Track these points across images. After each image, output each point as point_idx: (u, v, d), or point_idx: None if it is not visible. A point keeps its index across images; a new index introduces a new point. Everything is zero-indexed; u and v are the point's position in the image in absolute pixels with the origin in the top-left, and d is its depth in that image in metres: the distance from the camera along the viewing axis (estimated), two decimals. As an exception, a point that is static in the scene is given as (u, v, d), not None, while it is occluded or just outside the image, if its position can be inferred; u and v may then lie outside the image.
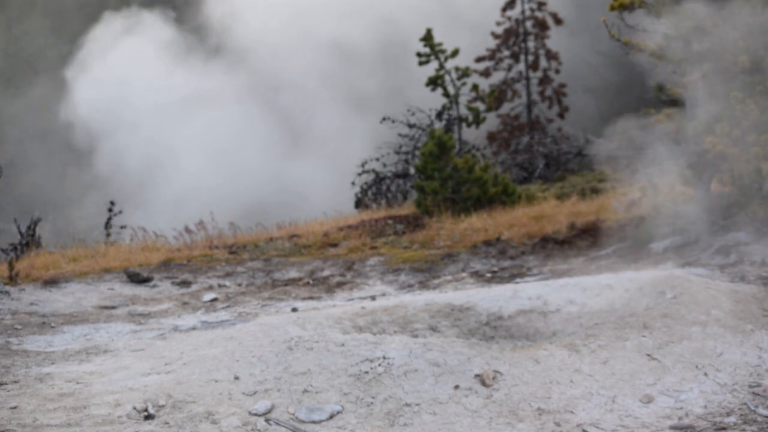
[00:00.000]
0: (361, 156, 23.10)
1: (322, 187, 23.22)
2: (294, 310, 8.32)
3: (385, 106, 30.05)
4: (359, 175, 22.49)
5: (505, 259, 11.27)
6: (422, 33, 22.16)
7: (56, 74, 41.62)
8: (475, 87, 22.47)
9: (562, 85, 28.31)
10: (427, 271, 10.85)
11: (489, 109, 22.40)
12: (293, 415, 4.76)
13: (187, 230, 14.55)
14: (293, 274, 11.26)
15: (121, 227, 15.27)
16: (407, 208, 17.35)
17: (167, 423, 4.70)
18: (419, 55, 22.01)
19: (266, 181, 36.92)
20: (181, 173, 37.84)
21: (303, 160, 38.35)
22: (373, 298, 9.17)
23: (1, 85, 42.87)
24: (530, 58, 28.27)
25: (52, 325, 8.20)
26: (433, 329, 6.87)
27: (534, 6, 27.95)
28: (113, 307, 9.31)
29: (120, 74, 39.78)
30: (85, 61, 41.71)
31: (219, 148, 38.70)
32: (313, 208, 19.86)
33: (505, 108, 28.43)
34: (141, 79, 39.99)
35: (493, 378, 4.95)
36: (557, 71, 28.20)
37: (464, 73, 22.10)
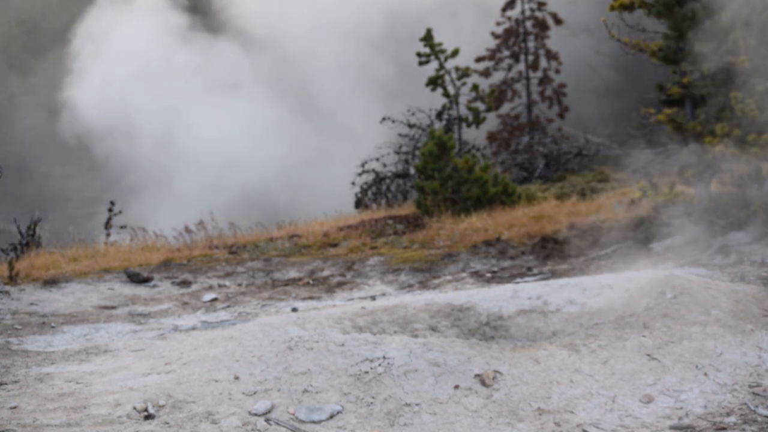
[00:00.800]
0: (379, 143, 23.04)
1: (340, 177, 23.06)
2: (294, 310, 8.32)
3: (401, 93, 29.79)
4: (359, 175, 22.48)
5: (505, 259, 11.27)
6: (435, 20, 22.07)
7: (60, 62, 41.01)
8: (475, 87, 22.46)
9: (562, 85, 28.32)
10: (427, 271, 10.85)
11: (489, 109, 22.39)
12: (293, 415, 4.76)
13: (187, 230, 14.56)
14: (293, 274, 11.26)
15: (121, 227, 15.26)
16: (407, 208, 17.35)
17: (167, 423, 4.70)
18: (419, 55, 22.00)
19: (280, 171, 36.52)
20: (190, 165, 37.35)
21: (320, 149, 37.81)
22: (373, 298, 9.17)
23: (6, 71, 42.40)
24: (530, 58, 28.27)
25: (52, 325, 8.21)
26: (433, 329, 6.87)
27: (534, 6, 27.96)
28: (113, 307, 9.31)
29: (126, 60, 39.02)
30: (89, 45, 40.94)
31: (231, 138, 38.09)
32: (333, 201, 19.76)
33: (505, 108, 28.43)
34: (148, 66, 39.33)
35: (493, 378, 4.95)
36: (557, 71, 28.20)
37: (464, 73, 22.09)
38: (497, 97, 26.25)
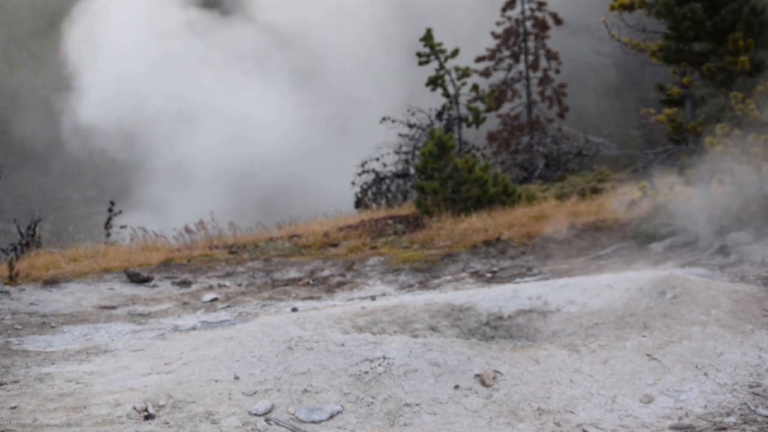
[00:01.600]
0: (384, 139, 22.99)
1: (351, 166, 23.03)
2: (294, 310, 8.32)
3: (414, 84, 29.65)
4: (359, 175, 22.48)
5: (505, 259, 11.27)
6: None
7: (61, 59, 40.61)
8: (475, 87, 22.46)
9: (562, 85, 28.32)
10: (427, 271, 10.85)
11: (489, 109, 22.39)
12: (293, 415, 4.76)
13: (187, 230, 14.56)
14: (293, 274, 11.26)
15: (121, 227, 15.28)
16: (407, 208, 17.35)
17: (167, 423, 4.70)
18: (419, 55, 22.00)
19: (291, 162, 36.30)
20: (195, 159, 37.05)
21: (333, 138, 37.53)
22: (373, 298, 9.17)
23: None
24: (530, 58, 28.27)
25: (52, 325, 8.21)
26: (433, 329, 6.87)
27: (534, 6, 27.96)
28: (113, 307, 9.31)
29: (130, 55, 38.58)
30: (90, 43, 40.47)
31: (238, 128, 37.74)
32: (334, 199, 19.62)
33: (505, 108, 28.44)
34: (151, 60, 38.90)
35: (493, 378, 4.95)
36: (557, 71, 28.21)
37: (464, 73, 22.09)
38: (497, 97, 26.25)
